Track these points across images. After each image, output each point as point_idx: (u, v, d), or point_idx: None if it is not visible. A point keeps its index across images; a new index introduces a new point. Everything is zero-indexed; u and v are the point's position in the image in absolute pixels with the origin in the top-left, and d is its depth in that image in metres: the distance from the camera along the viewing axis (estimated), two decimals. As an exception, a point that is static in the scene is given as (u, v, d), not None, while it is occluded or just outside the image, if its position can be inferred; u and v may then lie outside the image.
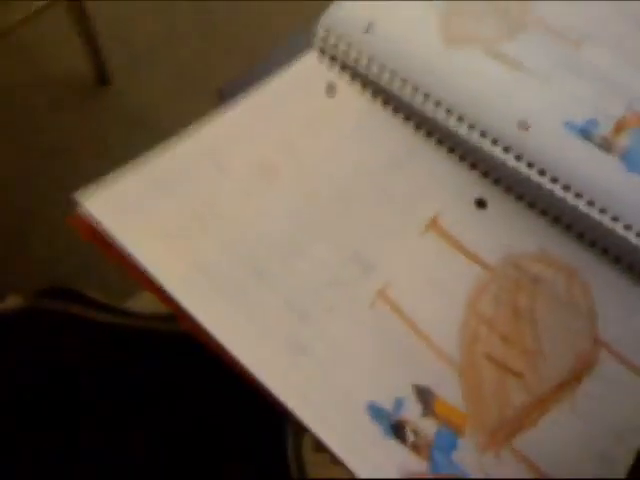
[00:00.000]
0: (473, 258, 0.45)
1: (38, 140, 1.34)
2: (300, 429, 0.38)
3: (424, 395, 0.38)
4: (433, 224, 0.46)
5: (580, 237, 0.49)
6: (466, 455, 0.37)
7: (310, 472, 0.41)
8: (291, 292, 0.39)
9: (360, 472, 0.34)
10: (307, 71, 0.50)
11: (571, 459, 0.39)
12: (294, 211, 0.43)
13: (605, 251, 0.48)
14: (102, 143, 1.32)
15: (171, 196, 0.40)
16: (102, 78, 1.42)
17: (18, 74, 1.44)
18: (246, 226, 0.41)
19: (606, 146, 0.52)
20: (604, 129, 0.53)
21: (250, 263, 0.39)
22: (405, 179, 0.47)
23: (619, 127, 0.54)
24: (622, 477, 0.38)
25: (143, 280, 0.36)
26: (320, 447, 0.38)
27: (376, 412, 0.36)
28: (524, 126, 0.51)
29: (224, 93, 0.47)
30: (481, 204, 0.48)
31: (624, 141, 0.53)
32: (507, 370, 0.41)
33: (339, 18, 0.52)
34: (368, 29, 0.52)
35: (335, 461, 0.34)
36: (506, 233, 0.47)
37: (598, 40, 0.60)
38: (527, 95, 0.53)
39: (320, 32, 0.52)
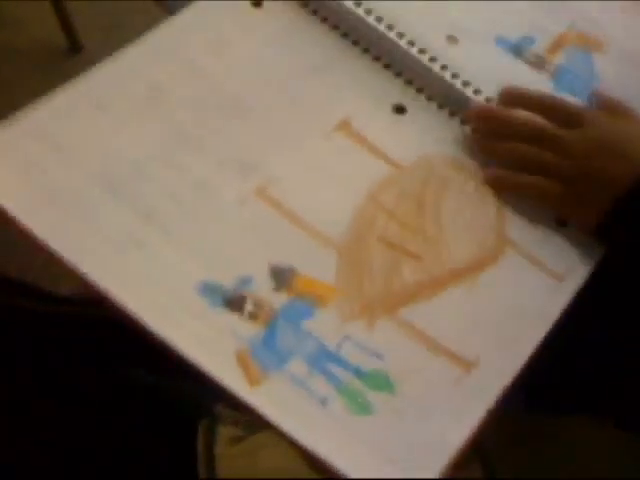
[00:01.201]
0: (383, 157, 0.45)
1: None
2: (212, 424, 0.39)
3: (281, 272, 0.38)
4: (343, 125, 0.46)
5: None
6: (324, 324, 0.37)
7: (224, 465, 0.41)
8: (142, 199, 0.39)
9: (184, 344, 0.34)
10: None
11: (467, 333, 0.40)
12: (171, 131, 0.43)
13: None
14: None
15: (38, 137, 0.40)
16: (73, 45, 1.33)
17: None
18: (111, 152, 0.41)
19: (538, 63, 0.52)
20: (539, 46, 0.53)
21: (105, 182, 0.39)
22: (321, 84, 0.47)
23: (557, 45, 0.53)
24: (525, 360, 0.39)
25: None
26: (235, 440, 0.39)
27: (209, 289, 0.36)
28: (453, 40, 0.51)
29: None
30: (400, 110, 0.48)
31: (558, 59, 0.53)
32: (401, 250, 0.42)
33: None
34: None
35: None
36: (422, 139, 0.47)
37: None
38: (460, 9, 0.53)
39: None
